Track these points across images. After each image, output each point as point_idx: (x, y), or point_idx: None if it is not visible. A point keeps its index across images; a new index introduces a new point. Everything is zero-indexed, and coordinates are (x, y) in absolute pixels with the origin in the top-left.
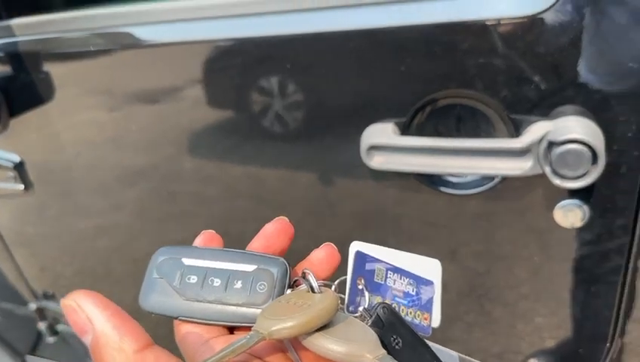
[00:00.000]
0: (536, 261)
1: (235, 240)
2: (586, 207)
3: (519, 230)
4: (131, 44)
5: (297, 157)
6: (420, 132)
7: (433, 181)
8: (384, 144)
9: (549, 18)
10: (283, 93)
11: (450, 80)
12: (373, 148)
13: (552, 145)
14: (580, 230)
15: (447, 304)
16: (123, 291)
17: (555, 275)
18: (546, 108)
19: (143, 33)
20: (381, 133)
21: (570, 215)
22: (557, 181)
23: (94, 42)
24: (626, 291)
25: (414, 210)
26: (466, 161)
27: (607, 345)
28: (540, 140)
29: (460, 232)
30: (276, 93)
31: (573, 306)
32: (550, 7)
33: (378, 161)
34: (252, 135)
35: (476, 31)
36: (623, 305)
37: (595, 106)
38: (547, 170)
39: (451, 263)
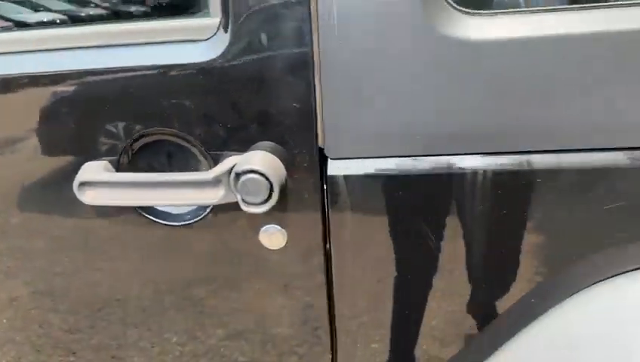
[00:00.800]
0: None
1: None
2: (284, 231)
3: (232, 254)
4: None
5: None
6: (134, 168)
7: (153, 214)
8: (92, 180)
9: (221, 65)
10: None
11: (151, 120)
12: (84, 184)
13: (238, 175)
14: (287, 251)
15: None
16: None
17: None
18: (240, 143)
19: None
20: (91, 170)
21: (274, 238)
22: (244, 207)
23: None
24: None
25: (143, 243)
26: (168, 193)
27: (330, 356)
28: (230, 172)
29: (195, 261)
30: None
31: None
32: (218, 56)
33: (90, 197)
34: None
35: (163, 75)
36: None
37: (279, 142)
38: (238, 197)
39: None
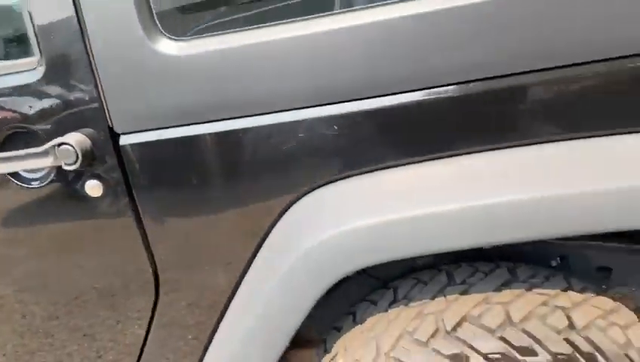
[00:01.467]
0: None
1: None
2: (100, 183)
3: (72, 202)
4: None
5: None
6: (7, 150)
7: (22, 180)
8: None
9: (43, 84)
10: None
11: (13, 119)
12: None
13: (59, 146)
14: (105, 198)
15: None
16: None
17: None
18: (64, 129)
19: None
20: None
21: (94, 189)
22: (65, 167)
23: None
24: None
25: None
26: (22, 162)
27: (151, 269)
28: (54, 146)
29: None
30: None
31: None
32: (40, 79)
33: None
34: None
35: (15, 91)
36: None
37: (87, 126)
38: (62, 162)
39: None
